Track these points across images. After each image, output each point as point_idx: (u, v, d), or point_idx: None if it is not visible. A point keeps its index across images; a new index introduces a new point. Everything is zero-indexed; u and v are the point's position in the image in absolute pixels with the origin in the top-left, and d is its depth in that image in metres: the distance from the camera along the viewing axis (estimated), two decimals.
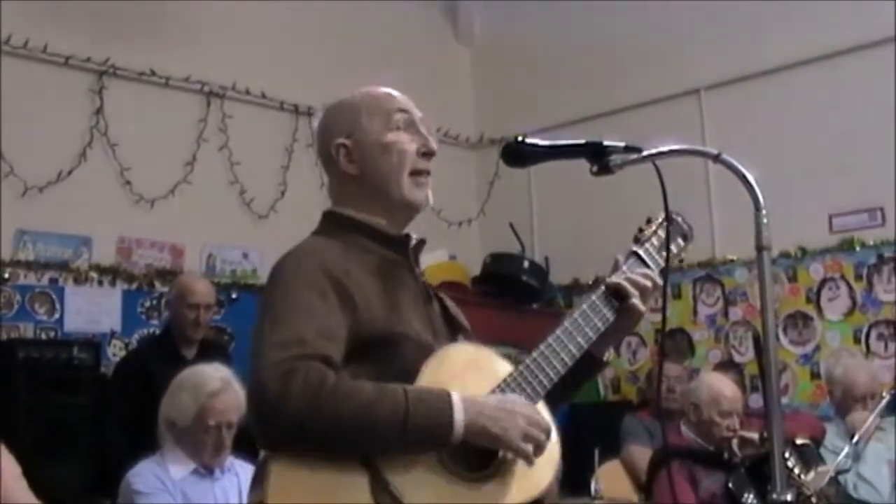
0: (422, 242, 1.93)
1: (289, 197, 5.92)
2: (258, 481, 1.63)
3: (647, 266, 1.96)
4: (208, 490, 3.04)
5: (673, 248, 2.01)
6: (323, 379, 1.58)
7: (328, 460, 1.60)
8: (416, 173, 1.86)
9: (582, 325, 1.86)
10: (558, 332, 1.84)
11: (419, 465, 1.65)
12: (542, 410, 1.76)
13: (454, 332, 1.92)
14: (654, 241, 1.99)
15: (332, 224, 1.89)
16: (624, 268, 1.94)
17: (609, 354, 1.98)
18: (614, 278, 1.92)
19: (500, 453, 1.71)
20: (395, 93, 1.93)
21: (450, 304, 1.99)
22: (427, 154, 1.88)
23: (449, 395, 1.64)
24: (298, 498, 1.58)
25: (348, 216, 1.87)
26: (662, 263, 1.98)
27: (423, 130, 1.89)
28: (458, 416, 1.62)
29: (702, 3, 6.03)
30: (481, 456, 1.71)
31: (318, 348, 1.62)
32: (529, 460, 1.68)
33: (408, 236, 1.90)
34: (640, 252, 1.97)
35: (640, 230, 2.00)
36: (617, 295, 1.90)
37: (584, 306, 1.89)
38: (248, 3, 5.88)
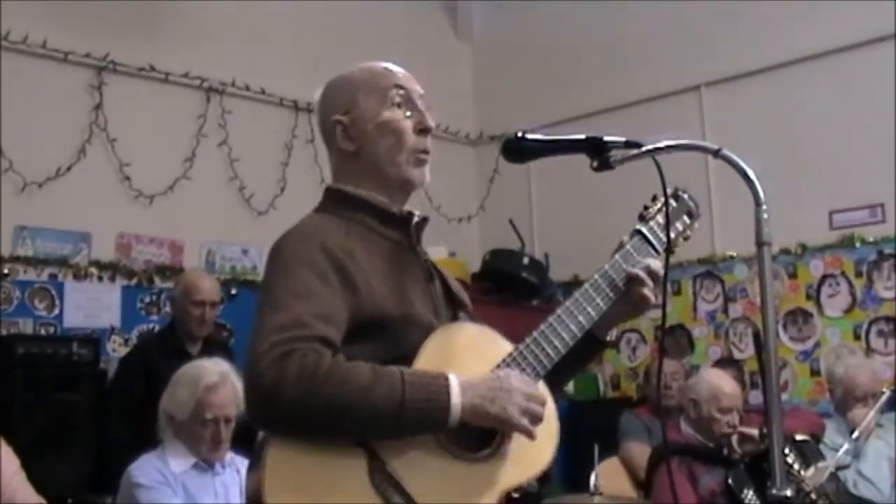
0: (424, 220, 1.91)
1: (288, 193, 5.91)
2: (256, 464, 1.62)
3: (652, 244, 1.94)
4: (209, 484, 3.04)
5: (679, 225, 2.01)
6: (318, 362, 1.56)
7: (325, 442, 1.59)
8: (414, 152, 1.84)
9: (583, 303, 1.85)
10: (559, 311, 1.83)
11: (416, 446, 1.64)
12: (542, 388, 1.75)
13: (455, 310, 1.91)
14: (659, 218, 1.98)
15: (334, 200, 1.86)
16: (628, 247, 1.93)
17: (612, 335, 1.96)
18: (629, 267, 1.90)
19: (500, 432, 1.70)
20: (394, 67, 1.90)
21: (452, 281, 1.98)
22: (424, 131, 1.85)
23: (446, 379, 1.63)
24: (296, 480, 1.57)
25: (351, 193, 1.84)
26: (665, 241, 1.97)
27: (420, 107, 1.86)
28: (456, 399, 1.61)
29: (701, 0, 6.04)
30: (480, 435, 1.70)
31: (317, 330, 1.61)
32: (531, 435, 1.67)
33: (410, 215, 1.88)
34: (645, 230, 1.96)
35: (646, 207, 1.99)
36: (628, 280, 1.89)
37: (587, 286, 1.88)
38: None
